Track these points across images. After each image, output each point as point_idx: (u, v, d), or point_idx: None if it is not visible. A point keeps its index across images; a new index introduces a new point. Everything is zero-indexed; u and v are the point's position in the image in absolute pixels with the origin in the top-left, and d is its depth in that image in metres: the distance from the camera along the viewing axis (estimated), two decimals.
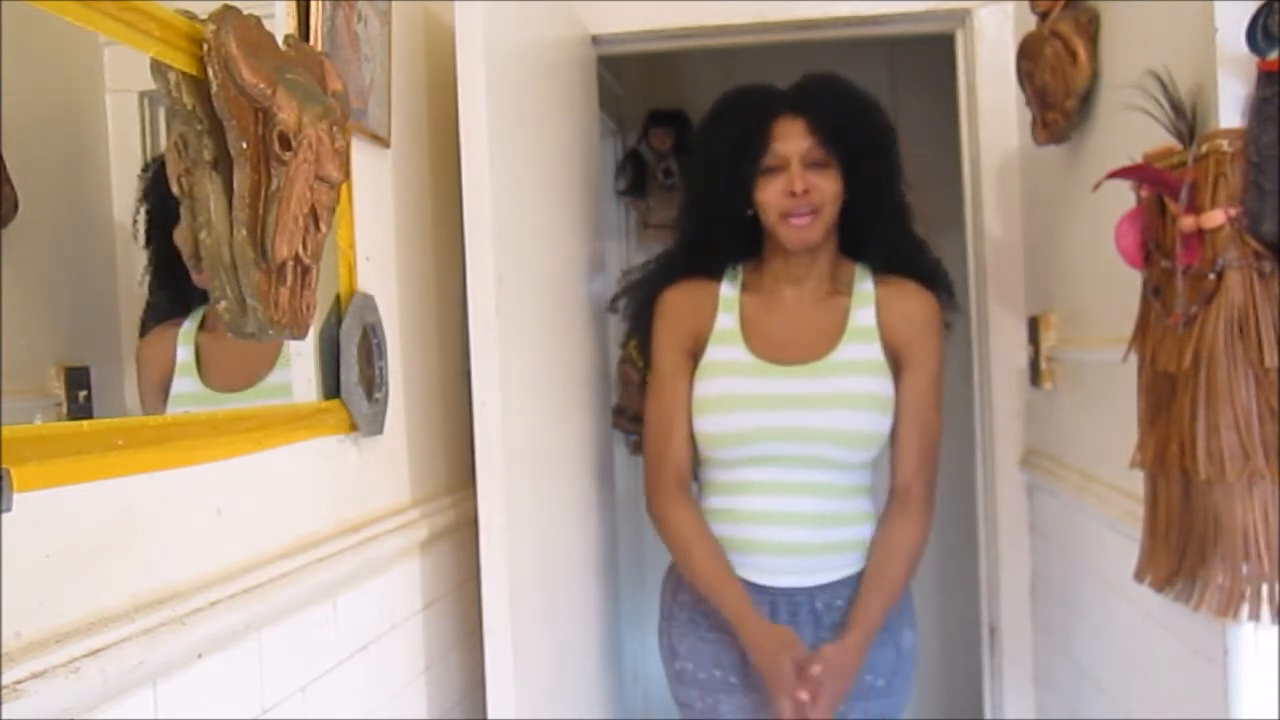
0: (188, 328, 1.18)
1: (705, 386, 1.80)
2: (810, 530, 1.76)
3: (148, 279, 1.12)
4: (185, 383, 1.18)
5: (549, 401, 1.83)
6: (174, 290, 1.11)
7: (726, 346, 1.81)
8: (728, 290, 1.84)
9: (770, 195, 1.74)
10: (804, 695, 1.65)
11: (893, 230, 1.83)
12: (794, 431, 1.74)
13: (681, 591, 1.84)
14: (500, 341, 1.55)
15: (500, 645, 1.54)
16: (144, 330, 1.15)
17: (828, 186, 1.73)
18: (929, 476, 1.79)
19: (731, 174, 1.77)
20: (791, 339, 1.80)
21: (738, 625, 1.73)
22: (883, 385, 1.77)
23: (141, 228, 1.11)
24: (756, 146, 1.74)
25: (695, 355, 1.83)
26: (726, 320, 1.82)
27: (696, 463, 1.87)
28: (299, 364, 1.34)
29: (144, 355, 1.15)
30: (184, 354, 1.18)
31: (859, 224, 1.81)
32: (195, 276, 1.07)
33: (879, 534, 1.79)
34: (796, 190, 1.72)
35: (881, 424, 1.77)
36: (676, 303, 1.85)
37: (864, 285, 1.82)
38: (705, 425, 1.79)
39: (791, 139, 1.73)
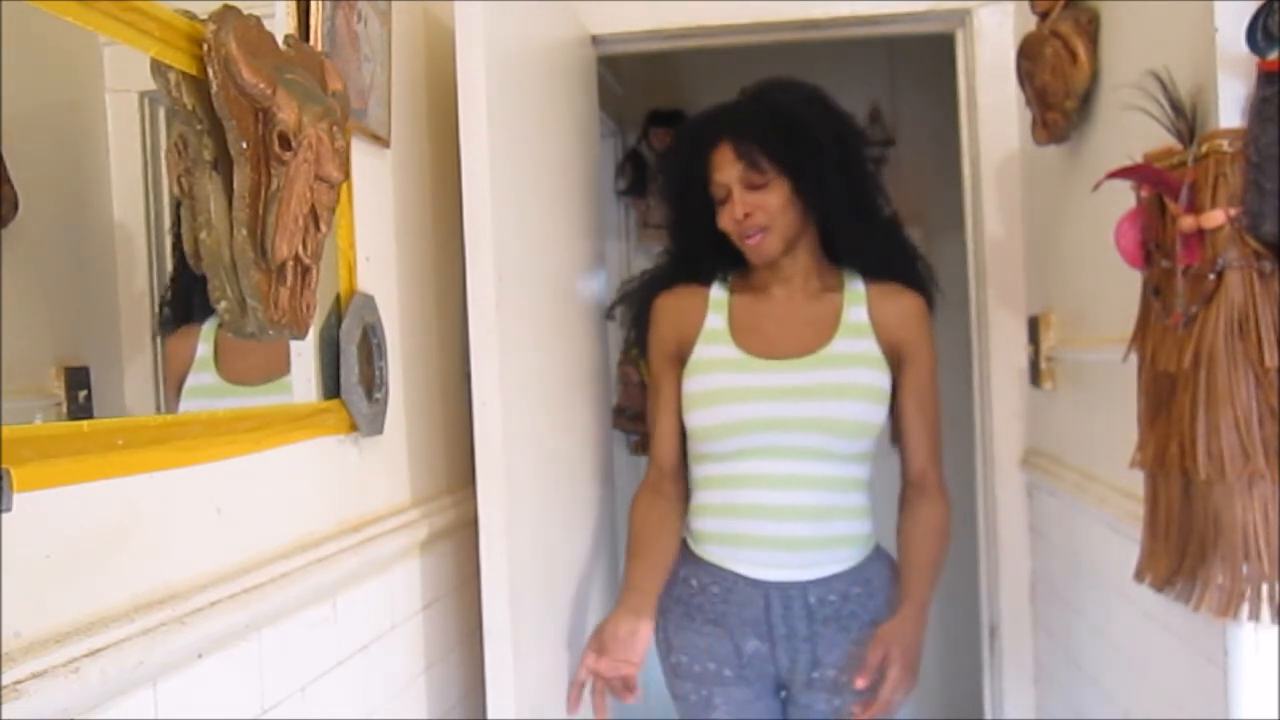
0: (209, 325, 1.18)
1: (693, 383, 1.83)
2: (806, 524, 1.77)
3: (179, 278, 1.13)
4: (203, 377, 1.19)
5: (549, 401, 1.83)
6: (202, 289, 1.11)
7: (714, 345, 1.83)
8: (717, 293, 1.88)
9: (724, 223, 1.80)
10: (602, 665, 1.69)
11: (862, 223, 1.84)
12: (787, 422, 1.76)
13: (676, 586, 1.85)
14: (500, 341, 1.55)
15: (500, 646, 1.54)
16: (174, 328, 1.16)
17: (771, 202, 1.76)
18: (940, 464, 1.86)
19: (693, 208, 1.85)
20: (782, 335, 1.82)
21: (623, 591, 1.80)
22: (880, 378, 1.79)
23: (171, 228, 1.11)
24: (702, 181, 1.81)
25: (681, 359, 1.86)
26: (715, 320, 1.85)
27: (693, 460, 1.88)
28: (299, 364, 1.34)
29: (169, 351, 1.16)
30: (203, 349, 1.19)
31: (829, 223, 1.83)
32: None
33: (905, 520, 1.85)
34: (737, 217, 1.77)
35: (877, 414, 1.79)
36: (664, 308, 1.90)
37: (855, 284, 1.85)
38: (694, 419, 1.81)
39: (725, 168, 1.78)
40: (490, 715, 1.55)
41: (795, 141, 1.76)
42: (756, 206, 1.75)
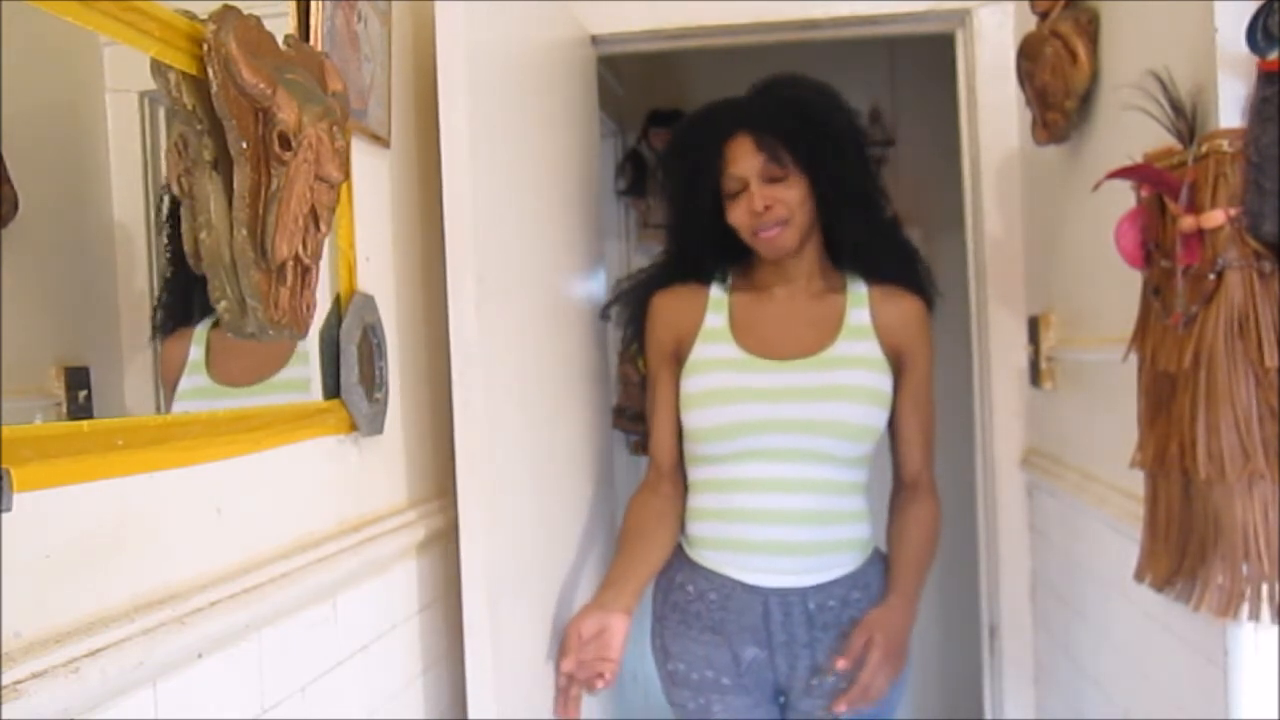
0: (201, 328, 1.18)
1: (692, 383, 1.81)
2: (805, 529, 1.76)
3: (173, 280, 1.13)
4: (195, 379, 1.19)
5: (543, 401, 1.82)
6: (196, 291, 1.11)
7: (715, 344, 1.82)
8: (717, 292, 1.86)
9: (737, 217, 1.78)
10: (568, 665, 1.65)
11: (868, 224, 1.83)
12: (789, 423, 1.75)
13: (673, 593, 1.84)
14: (481, 343, 1.52)
15: (480, 646, 1.52)
16: (167, 330, 1.16)
17: (790, 196, 1.74)
18: (932, 466, 1.88)
19: (699, 201, 1.81)
20: (784, 335, 1.81)
21: (603, 585, 1.75)
22: (882, 380, 1.79)
23: (167, 229, 1.11)
24: (714, 174, 1.78)
25: (679, 358, 1.85)
26: (715, 320, 1.84)
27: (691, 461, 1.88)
28: (297, 364, 1.34)
29: (164, 354, 1.16)
30: (195, 352, 1.19)
31: (834, 222, 1.82)
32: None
33: (897, 518, 1.86)
34: (757, 209, 1.74)
35: (879, 417, 1.79)
36: (661, 307, 1.88)
37: (857, 286, 1.84)
38: (693, 420, 1.80)
39: (743, 160, 1.75)
40: (471, 715, 1.54)
41: (816, 136, 1.75)
42: (776, 199, 1.74)
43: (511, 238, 1.65)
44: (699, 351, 1.82)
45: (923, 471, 1.86)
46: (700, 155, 1.79)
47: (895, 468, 1.88)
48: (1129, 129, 1.43)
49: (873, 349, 1.79)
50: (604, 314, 2.13)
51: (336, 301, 1.41)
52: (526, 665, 1.66)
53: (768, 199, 1.73)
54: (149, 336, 1.14)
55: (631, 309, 1.96)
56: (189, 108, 1.03)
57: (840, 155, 1.77)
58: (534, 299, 1.78)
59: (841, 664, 1.68)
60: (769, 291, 1.85)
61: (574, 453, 1.96)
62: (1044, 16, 1.79)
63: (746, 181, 1.75)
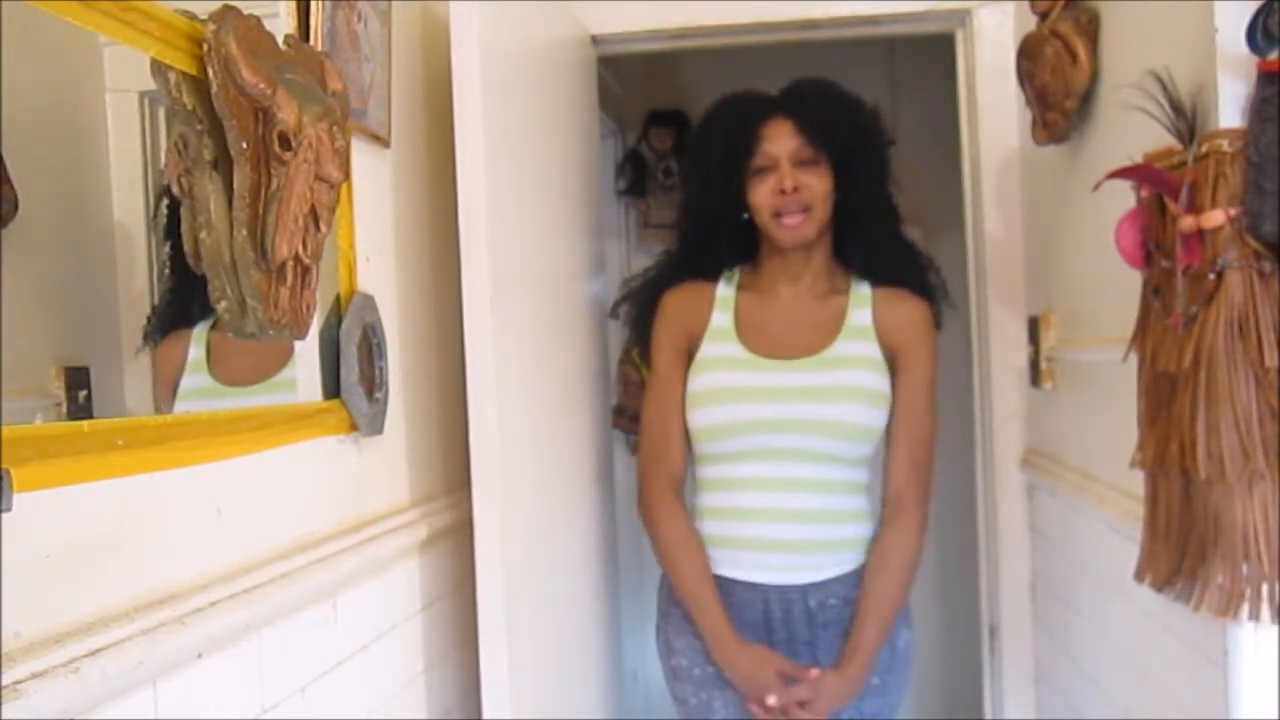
0: (200, 328, 1.18)
1: (698, 381, 1.81)
2: (805, 527, 1.77)
3: (169, 281, 1.13)
4: (196, 379, 1.19)
5: (547, 402, 1.82)
6: (193, 293, 1.11)
7: (721, 343, 1.82)
8: (723, 290, 1.86)
9: (761, 195, 1.77)
10: (771, 700, 1.71)
11: (883, 231, 1.85)
12: (790, 423, 1.75)
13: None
14: (495, 342, 1.54)
15: (496, 646, 1.54)
16: (163, 333, 1.16)
17: (818, 184, 1.76)
18: (921, 481, 1.80)
19: (724, 177, 1.81)
20: (787, 335, 1.81)
21: (714, 647, 1.77)
22: (881, 381, 1.79)
23: (161, 231, 1.11)
24: (746, 149, 1.78)
25: (691, 355, 1.84)
26: (721, 319, 1.84)
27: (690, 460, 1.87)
28: (298, 364, 1.34)
29: (160, 355, 1.16)
30: (195, 352, 1.19)
31: (850, 225, 1.82)
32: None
33: (876, 544, 1.79)
34: (786, 188, 1.75)
35: (879, 418, 1.78)
36: (672, 304, 1.88)
37: (861, 288, 1.84)
38: (698, 418, 1.80)
39: (780, 139, 1.77)
40: (486, 715, 1.54)
41: (850, 133, 1.78)
42: (803, 184, 1.75)
43: (513, 237, 1.66)
44: (705, 350, 1.83)
45: (906, 488, 1.78)
46: (736, 130, 1.80)
47: (883, 481, 1.82)
48: (1129, 129, 1.43)
49: (872, 349, 1.79)
50: (614, 312, 2.13)
51: (336, 301, 1.41)
52: (533, 663, 1.66)
53: (797, 181, 1.75)
54: (144, 338, 1.14)
55: (638, 308, 1.95)
56: (189, 108, 1.03)
57: (868, 156, 1.80)
58: (535, 299, 1.78)
59: (770, 700, 1.73)
60: (774, 291, 1.85)
61: (577, 452, 1.96)
62: (1044, 16, 1.79)
63: (778, 161, 1.76)
